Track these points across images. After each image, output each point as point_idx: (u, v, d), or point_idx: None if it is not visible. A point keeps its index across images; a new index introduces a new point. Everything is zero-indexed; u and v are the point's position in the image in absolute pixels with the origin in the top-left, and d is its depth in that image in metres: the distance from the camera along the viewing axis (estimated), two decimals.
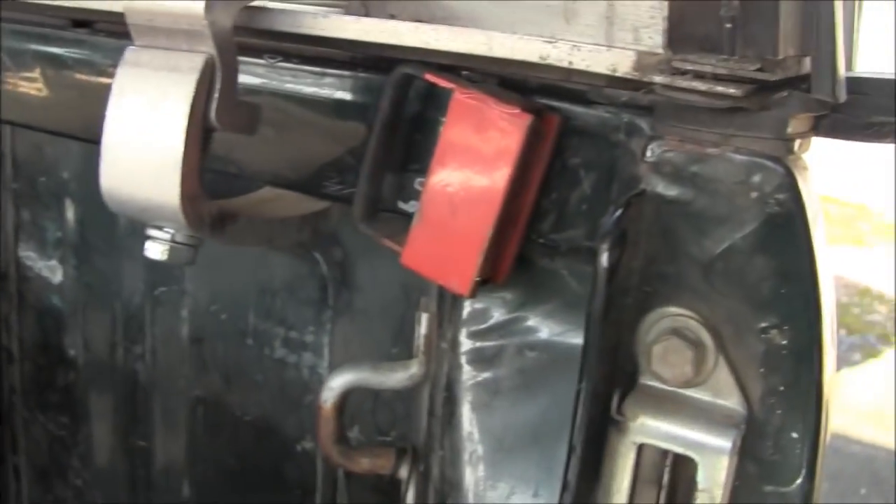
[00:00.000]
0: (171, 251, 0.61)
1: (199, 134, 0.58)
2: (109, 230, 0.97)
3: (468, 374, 0.62)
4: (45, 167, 1.01)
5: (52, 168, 1.00)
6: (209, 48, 0.59)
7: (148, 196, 0.59)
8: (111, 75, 0.65)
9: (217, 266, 0.91)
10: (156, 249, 0.61)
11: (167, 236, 0.61)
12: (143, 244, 0.95)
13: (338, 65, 0.67)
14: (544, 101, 0.58)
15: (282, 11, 0.63)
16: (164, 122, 0.58)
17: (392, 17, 0.65)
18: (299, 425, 0.90)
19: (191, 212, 0.58)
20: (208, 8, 0.57)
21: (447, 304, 0.65)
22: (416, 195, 0.62)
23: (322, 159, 0.67)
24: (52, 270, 1.03)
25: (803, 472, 0.51)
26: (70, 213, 1.00)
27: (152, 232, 0.61)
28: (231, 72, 0.60)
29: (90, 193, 0.96)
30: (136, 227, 0.94)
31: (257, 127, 0.62)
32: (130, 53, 0.62)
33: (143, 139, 0.59)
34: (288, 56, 0.68)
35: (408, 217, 0.63)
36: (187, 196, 0.57)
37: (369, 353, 0.81)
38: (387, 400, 0.82)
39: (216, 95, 0.59)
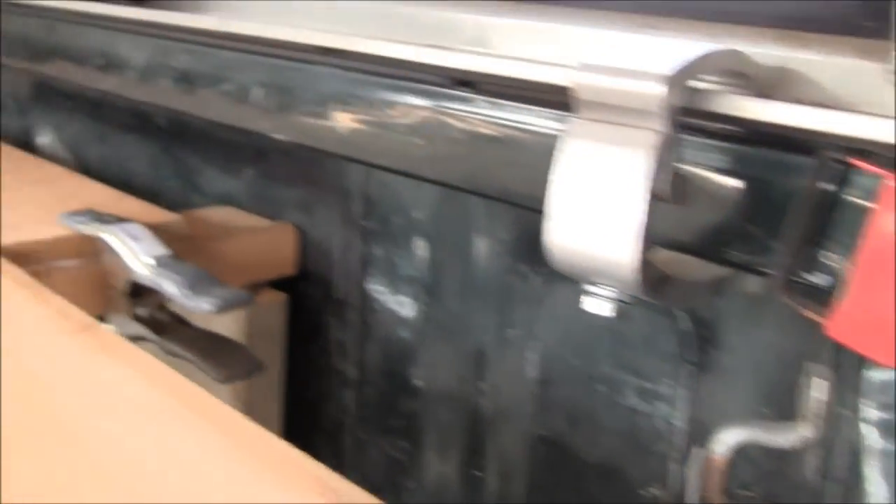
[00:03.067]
0: (616, 308, 0.67)
1: (652, 205, 0.64)
2: (462, 272, 1.05)
3: (877, 442, 0.65)
4: (399, 206, 1.09)
5: (405, 208, 1.09)
6: (659, 126, 0.65)
7: (601, 258, 0.65)
8: (488, 130, 0.80)
9: (569, 313, 0.97)
10: (598, 305, 0.67)
11: (610, 294, 0.67)
12: (494, 290, 1.02)
13: (736, 141, 0.71)
14: None
15: (717, 93, 0.69)
16: (619, 193, 0.64)
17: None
18: (647, 472, 0.94)
19: (643, 275, 0.64)
20: (670, 92, 0.63)
21: (844, 371, 0.68)
22: (819, 267, 0.66)
23: (722, 228, 0.71)
24: (401, 305, 1.12)
25: None
26: (421, 252, 1.08)
27: (592, 289, 0.68)
28: (676, 147, 0.66)
29: (443, 235, 1.04)
30: (488, 272, 1.01)
31: (687, 198, 0.68)
32: (577, 126, 0.68)
33: (596, 207, 0.65)
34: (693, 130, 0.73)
35: (816, 288, 0.66)
36: (643, 262, 0.63)
37: (734, 411, 0.85)
38: (751, 455, 0.85)
39: (665, 169, 0.64)
